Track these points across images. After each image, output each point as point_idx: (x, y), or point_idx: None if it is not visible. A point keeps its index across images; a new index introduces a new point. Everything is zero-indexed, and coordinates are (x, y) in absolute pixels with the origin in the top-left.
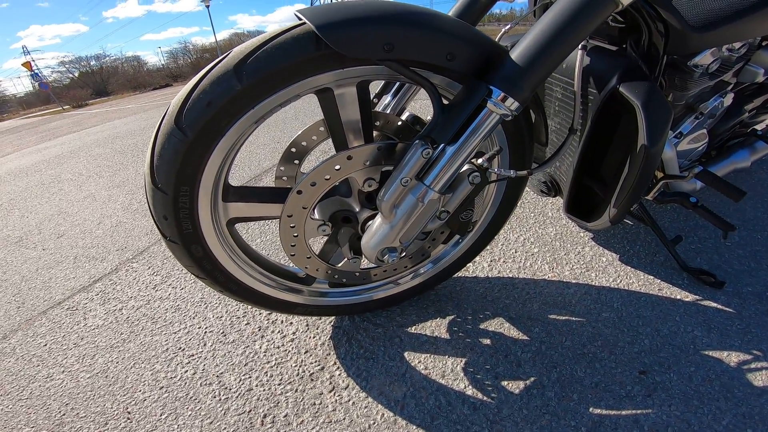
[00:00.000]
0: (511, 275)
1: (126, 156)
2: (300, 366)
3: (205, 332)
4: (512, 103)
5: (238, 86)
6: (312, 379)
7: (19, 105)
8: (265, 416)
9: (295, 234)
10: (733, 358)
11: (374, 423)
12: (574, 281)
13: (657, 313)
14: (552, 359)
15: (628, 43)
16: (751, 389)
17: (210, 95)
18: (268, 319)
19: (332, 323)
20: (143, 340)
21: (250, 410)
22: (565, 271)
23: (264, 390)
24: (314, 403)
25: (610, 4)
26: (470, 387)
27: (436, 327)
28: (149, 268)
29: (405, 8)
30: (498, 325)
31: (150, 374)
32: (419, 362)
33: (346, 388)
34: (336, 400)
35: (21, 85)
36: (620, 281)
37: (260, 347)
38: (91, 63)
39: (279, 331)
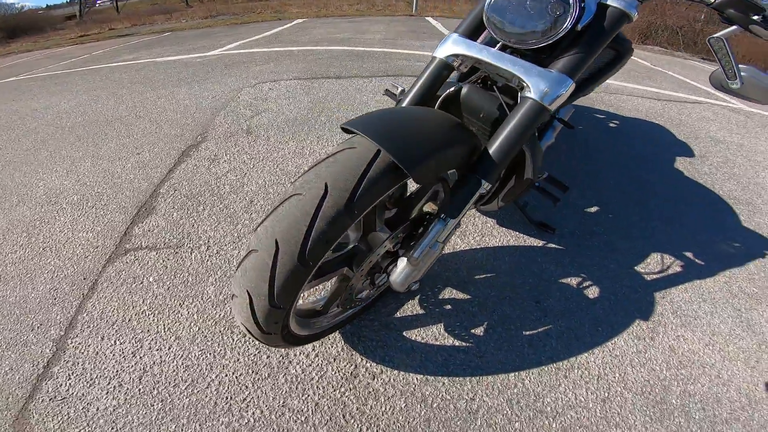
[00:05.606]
0: (445, 253)
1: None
2: (337, 372)
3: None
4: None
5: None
6: (354, 376)
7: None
8: (344, 415)
9: None
10: (572, 280)
11: (415, 384)
12: (478, 247)
13: (527, 259)
14: (488, 307)
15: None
16: (586, 300)
17: None
18: (283, 355)
19: (332, 339)
20: None
21: (332, 410)
22: (472, 241)
23: (327, 399)
24: (370, 392)
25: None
26: (455, 340)
27: (412, 307)
28: None
29: None
30: (449, 293)
31: None
32: (416, 335)
33: (381, 373)
34: (382, 382)
35: None
36: (506, 242)
37: (297, 370)
38: None
39: (303, 353)
